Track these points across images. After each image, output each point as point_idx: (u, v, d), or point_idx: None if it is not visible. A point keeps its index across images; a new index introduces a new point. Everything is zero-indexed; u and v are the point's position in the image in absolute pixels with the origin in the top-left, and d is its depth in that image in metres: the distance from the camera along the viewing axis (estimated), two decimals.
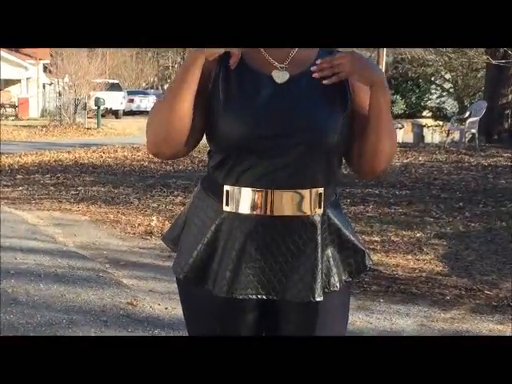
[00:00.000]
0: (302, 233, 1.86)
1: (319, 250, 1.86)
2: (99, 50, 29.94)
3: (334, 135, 1.82)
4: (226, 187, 1.86)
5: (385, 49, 20.84)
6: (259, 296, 1.86)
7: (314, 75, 1.82)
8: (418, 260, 6.03)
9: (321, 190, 1.86)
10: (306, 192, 1.84)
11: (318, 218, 1.87)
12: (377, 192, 9.36)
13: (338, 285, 1.92)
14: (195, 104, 1.82)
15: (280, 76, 1.84)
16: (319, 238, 1.86)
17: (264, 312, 1.94)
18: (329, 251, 1.91)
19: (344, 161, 1.96)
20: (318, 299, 1.85)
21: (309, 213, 1.85)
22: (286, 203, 1.84)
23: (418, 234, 7.05)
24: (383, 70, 19.98)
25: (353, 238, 1.95)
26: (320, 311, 1.91)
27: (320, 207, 1.87)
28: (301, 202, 1.85)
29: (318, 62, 1.83)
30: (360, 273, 2.00)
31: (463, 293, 5.10)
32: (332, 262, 1.91)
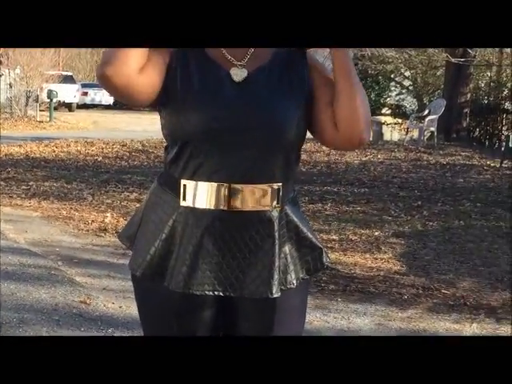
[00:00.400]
0: (259, 228, 1.87)
1: (277, 247, 1.88)
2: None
3: (292, 130, 1.85)
4: (183, 181, 1.87)
5: None
6: (216, 292, 1.87)
7: None
8: (375, 259, 6.10)
9: (279, 185, 1.88)
10: (263, 187, 1.86)
11: (275, 214, 1.88)
12: (335, 190, 9.45)
13: (294, 282, 1.93)
14: (157, 61, 1.81)
15: (238, 74, 1.86)
16: (277, 234, 1.88)
17: (221, 309, 1.95)
18: (286, 248, 1.92)
19: (318, 141, 1.98)
20: (275, 295, 1.87)
21: (267, 208, 1.87)
22: (243, 198, 1.85)
23: (376, 233, 7.13)
24: None
25: (310, 236, 1.97)
26: (278, 309, 1.92)
27: (278, 203, 1.88)
28: (259, 197, 1.86)
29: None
30: (317, 271, 2.02)
31: (420, 292, 5.18)
32: (289, 259, 1.93)
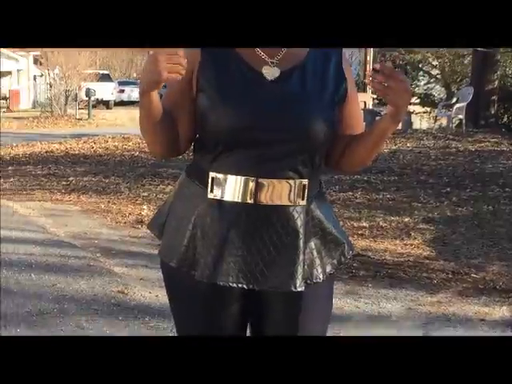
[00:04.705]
0: (284, 223, 1.85)
1: (301, 242, 1.85)
2: None
3: (322, 133, 1.83)
4: (212, 174, 1.85)
5: None
6: (240, 285, 1.85)
7: (367, 80, 1.79)
8: (405, 245, 6.05)
9: (305, 181, 1.86)
10: (290, 183, 1.84)
11: (300, 210, 1.86)
12: (365, 178, 9.36)
13: (321, 276, 1.91)
14: (182, 109, 1.86)
15: (270, 72, 1.84)
16: (301, 229, 1.86)
17: (249, 300, 1.93)
18: (312, 243, 1.91)
19: None
20: (299, 289, 1.85)
21: (292, 203, 1.85)
22: (269, 192, 1.83)
23: (406, 219, 7.06)
24: (370, 59, 19.95)
25: (334, 231, 1.95)
26: (304, 301, 1.90)
27: (303, 199, 1.86)
28: (284, 193, 1.84)
29: (376, 67, 1.75)
30: (341, 264, 2.00)
31: (450, 276, 5.12)
32: (315, 254, 1.91)
